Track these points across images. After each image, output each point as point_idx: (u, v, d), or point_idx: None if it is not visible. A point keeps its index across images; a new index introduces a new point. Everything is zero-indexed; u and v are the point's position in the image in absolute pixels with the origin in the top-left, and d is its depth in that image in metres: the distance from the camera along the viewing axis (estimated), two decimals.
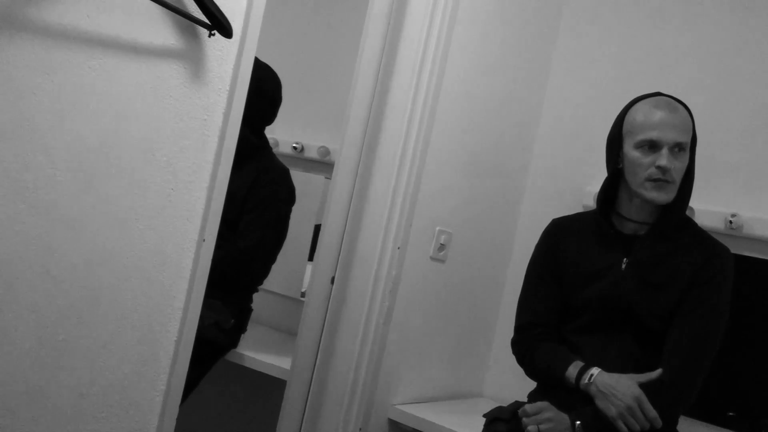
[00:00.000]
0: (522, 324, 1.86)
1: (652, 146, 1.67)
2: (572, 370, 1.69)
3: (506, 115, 2.46)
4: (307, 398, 2.14)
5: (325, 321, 2.14)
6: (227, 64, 1.51)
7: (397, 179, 2.11)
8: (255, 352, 2.47)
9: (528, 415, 1.65)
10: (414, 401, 2.27)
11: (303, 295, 2.84)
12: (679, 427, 1.74)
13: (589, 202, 2.34)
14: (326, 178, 2.84)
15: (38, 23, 1.21)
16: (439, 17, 2.10)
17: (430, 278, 2.26)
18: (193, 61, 1.45)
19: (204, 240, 1.53)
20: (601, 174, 1.83)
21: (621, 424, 1.58)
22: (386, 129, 2.13)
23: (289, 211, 2.57)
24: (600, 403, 1.62)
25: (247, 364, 2.44)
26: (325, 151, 2.91)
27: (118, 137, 1.36)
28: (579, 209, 2.23)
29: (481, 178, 2.39)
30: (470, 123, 2.30)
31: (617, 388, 1.60)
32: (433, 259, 2.25)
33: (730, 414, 2.09)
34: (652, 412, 1.58)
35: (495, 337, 2.56)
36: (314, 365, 2.14)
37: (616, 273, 1.74)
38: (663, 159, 1.65)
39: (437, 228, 2.24)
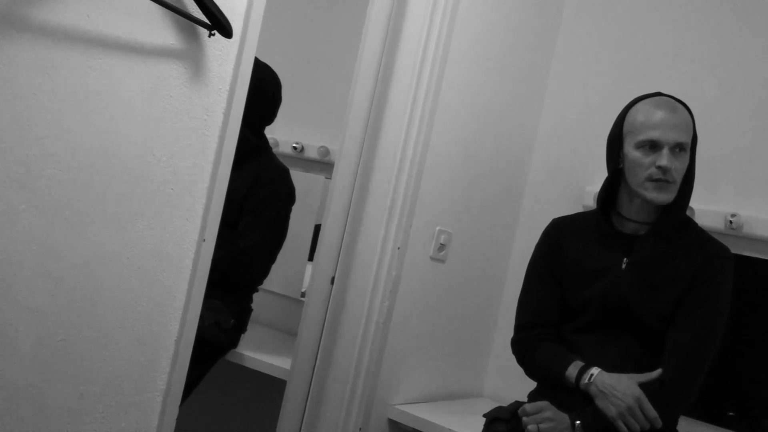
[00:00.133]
0: (522, 324, 1.86)
1: (653, 146, 1.67)
2: (572, 370, 1.69)
3: (506, 115, 2.46)
4: (307, 398, 2.14)
5: (325, 321, 2.14)
6: (227, 64, 1.51)
7: (397, 179, 2.11)
8: (255, 352, 2.47)
9: (528, 415, 1.65)
10: (414, 401, 2.27)
11: (303, 295, 2.84)
12: (679, 427, 1.74)
13: (589, 202, 2.34)
14: (326, 178, 2.84)
15: (38, 23, 1.21)
16: (439, 17, 2.10)
17: (430, 278, 2.26)
18: (193, 61, 1.45)
19: (204, 240, 1.53)
20: (601, 174, 1.83)
21: (621, 424, 1.58)
22: (386, 129, 2.13)
23: (289, 211, 2.57)
24: (600, 403, 1.62)
25: (247, 364, 2.44)
26: (325, 151, 2.91)
27: (118, 137, 1.36)
28: (579, 209, 2.23)
29: (481, 178, 2.39)
30: (470, 123, 2.30)
31: (617, 388, 1.60)
32: (433, 259, 2.25)
33: (730, 414, 2.09)
34: (652, 412, 1.58)
35: (495, 337, 2.56)
36: (314, 365, 2.14)
37: (616, 273, 1.74)
38: (663, 159, 1.65)
39: (437, 228, 2.24)
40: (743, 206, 2.15)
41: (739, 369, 2.09)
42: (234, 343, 2.46)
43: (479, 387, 2.58)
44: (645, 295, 1.70)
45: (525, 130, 2.56)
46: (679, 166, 1.68)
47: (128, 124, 1.37)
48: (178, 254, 1.50)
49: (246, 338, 2.53)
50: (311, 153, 2.96)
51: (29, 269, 1.27)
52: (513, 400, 1.81)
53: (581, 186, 2.45)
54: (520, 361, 1.85)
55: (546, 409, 1.65)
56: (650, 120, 1.68)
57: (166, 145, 1.43)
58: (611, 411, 1.59)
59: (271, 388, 2.46)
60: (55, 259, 1.30)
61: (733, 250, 1.77)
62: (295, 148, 2.99)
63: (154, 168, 1.42)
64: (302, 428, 2.13)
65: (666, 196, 1.68)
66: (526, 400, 1.79)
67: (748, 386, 2.09)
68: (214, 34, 1.45)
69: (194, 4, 1.39)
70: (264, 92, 2.45)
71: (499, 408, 1.78)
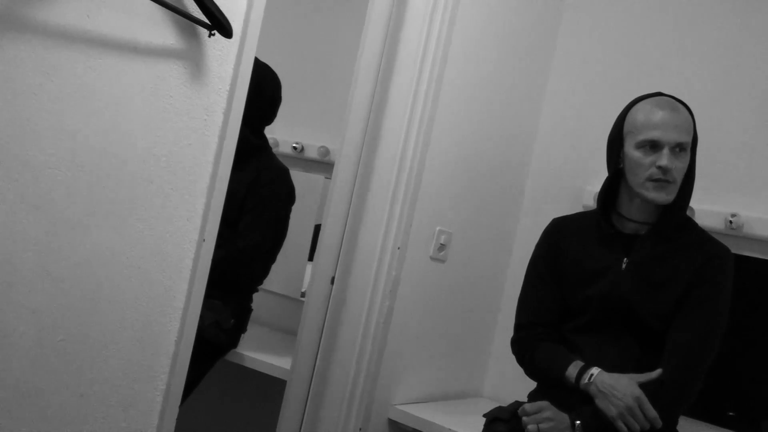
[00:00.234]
0: (522, 323, 1.86)
1: (653, 146, 1.67)
2: (572, 370, 1.69)
3: (506, 115, 2.46)
4: (307, 398, 2.14)
5: (325, 321, 2.14)
6: (227, 64, 1.51)
7: (397, 179, 2.11)
8: (255, 352, 2.47)
9: (528, 414, 1.65)
10: (414, 401, 2.27)
11: (303, 295, 2.84)
12: (679, 427, 1.74)
13: (589, 202, 2.34)
14: (326, 178, 2.84)
15: (38, 23, 1.21)
16: (439, 17, 2.10)
17: (430, 278, 2.26)
18: (193, 61, 1.45)
19: (204, 240, 1.53)
20: (601, 174, 1.83)
21: (621, 424, 1.58)
22: (386, 129, 2.13)
23: (289, 210, 2.57)
24: (600, 403, 1.62)
25: (247, 364, 2.44)
26: (325, 151, 2.91)
27: (118, 137, 1.36)
28: (579, 209, 2.23)
29: (481, 178, 2.39)
30: (470, 123, 2.30)
31: (617, 388, 1.60)
32: (433, 259, 2.25)
33: (730, 414, 2.09)
34: (652, 412, 1.58)
35: (495, 337, 2.56)
36: (314, 365, 2.14)
37: (616, 273, 1.74)
38: (664, 159, 1.65)
39: (437, 228, 2.24)
40: (743, 206, 2.15)
41: (739, 369, 2.09)
42: (234, 343, 2.46)
43: (479, 387, 2.58)
44: (645, 295, 1.70)
45: (525, 130, 2.56)
46: (679, 166, 1.68)
47: (128, 124, 1.37)
48: (178, 254, 1.50)
49: (246, 338, 2.53)
50: (311, 153, 2.96)
51: (29, 269, 1.27)
52: (513, 400, 1.81)
53: (581, 186, 2.45)
54: (520, 360, 1.86)
55: (546, 408, 1.65)
56: (651, 120, 1.67)
57: (166, 145, 1.43)
58: (611, 411, 1.59)
59: (271, 388, 2.46)
60: (55, 259, 1.30)
61: (733, 250, 1.77)
62: (295, 148, 2.99)
63: (154, 168, 1.42)
64: (302, 428, 2.13)
65: (666, 196, 1.68)
66: (526, 400, 1.79)
67: (748, 386, 2.09)
68: (214, 34, 1.45)
69: (194, 4, 1.39)
70: (264, 92, 2.45)
71: (499, 408, 1.78)
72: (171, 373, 1.52)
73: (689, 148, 1.70)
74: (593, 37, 2.54)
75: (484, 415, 1.79)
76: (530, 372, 1.84)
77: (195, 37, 1.45)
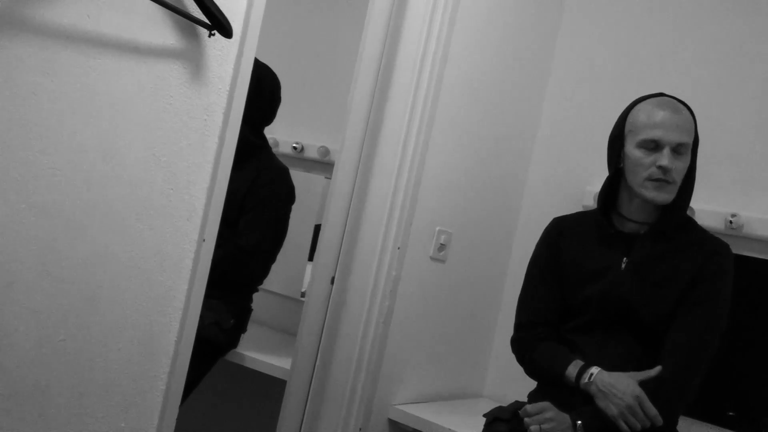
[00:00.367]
0: (522, 323, 1.86)
1: (654, 146, 1.67)
2: (572, 370, 1.69)
3: (506, 115, 2.46)
4: (307, 398, 2.14)
5: (325, 321, 2.14)
6: (227, 64, 1.51)
7: (397, 179, 2.11)
8: (255, 352, 2.47)
9: (529, 415, 1.65)
10: (414, 401, 2.27)
11: (303, 295, 2.84)
12: (679, 427, 1.74)
13: (589, 202, 2.34)
14: (326, 178, 2.84)
15: (38, 23, 1.21)
16: (439, 17, 2.10)
17: (430, 278, 2.26)
18: (193, 61, 1.45)
19: (204, 240, 1.53)
20: (601, 174, 1.83)
21: (622, 424, 1.58)
22: (386, 129, 2.13)
23: (289, 210, 2.57)
24: (600, 402, 1.62)
25: (247, 364, 2.44)
26: (325, 151, 2.91)
27: (118, 137, 1.36)
28: (579, 209, 2.22)
29: (481, 178, 2.39)
30: (470, 123, 2.30)
31: (617, 387, 1.60)
32: (433, 259, 2.25)
33: (730, 414, 2.09)
34: (653, 411, 1.58)
35: (495, 337, 2.56)
36: (314, 365, 2.14)
37: (616, 272, 1.74)
38: (664, 159, 1.65)
39: (437, 228, 2.24)
40: (743, 206, 2.15)
41: (739, 369, 2.09)
42: (234, 343, 2.46)
43: (479, 387, 2.57)
44: (645, 294, 1.70)
45: (525, 129, 2.56)
46: (680, 167, 1.68)
47: (128, 124, 1.37)
48: (178, 254, 1.50)
49: (246, 338, 2.53)
50: (311, 153, 2.96)
51: (29, 269, 1.27)
52: (513, 400, 1.81)
53: (581, 186, 2.45)
54: (520, 360, 1.86)
55: (547, 409, 1.65)
56: (652, 120, 1.68)
57: (166, 145, 1.43)
58: (612, 410, 1.59)
59: (271, 388, 2.46)
60: (55, 259, 1.30)
61: (733, 250, 1.77)
62: (295, 148, 2.99)
63: (154, 168, 1.42)
64: (302, 428, 2.13)
65: (666, 196, 1.69)
66: (526, 400, 1.79)
67: (748, 386, 2.09)
68: (214, 34, 1.45)
69: (194, 4, 1.39)
70: (263, 92, 2.45)
71: (499, 408, 1.78)
72: (171, 373, 1.52)
73: (690, 149, 1.70)
74: (593, 37, 2.54)
75: (484, 415, 1.79)
76: (530, 371, 1.84)
77: (195, 37, 1.45)
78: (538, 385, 1.85)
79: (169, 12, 1.38)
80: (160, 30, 1.39)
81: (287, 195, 2.55)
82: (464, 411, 2.31)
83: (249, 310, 2.56)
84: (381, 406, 2.16)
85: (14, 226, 1.23)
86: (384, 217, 2.11)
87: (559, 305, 1.82)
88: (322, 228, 2.17)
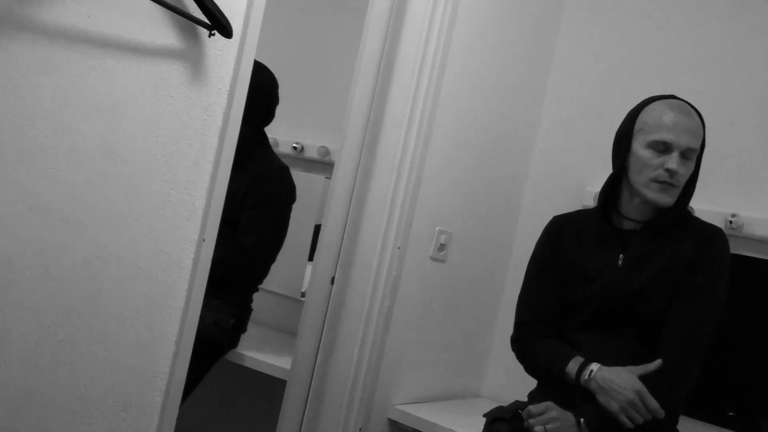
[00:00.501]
0: (522, 321, 1.86)
1: (664, 148, 1.67)
2: (572, 366, 1.69)
3: (506, 115, 2.46)
4: (307, 398, 2.14)
5: (325, 321, 2.14)
6: (227, 64, 1.51)
7: (397, 179, 2.11)
8: (255, 352, 2.47)
9: (533, 416, 1.65)
10: (414, 401, 2.27)
11: (303, 295, 2.84)
12: (679, 426, 1.74)
13: (589, 202, 2.34)
14: (326, 178, 2.84)
15: (38, 23, 1.21)
16: (439, 17, 2.10)
17: (430, 278, 2.26)
18: (193, 61, 1.45)
19: (204, 240, 1.53)
20: (601, 174, 1.83)
21: (624, 418, 1.58)
22: (386, 129, 2.13)
23: (290, 209, 2.57)
24: (601, 398, 1.62)
25: (247, 364, 2.44)
26: (325, 151, 2.91)
27: (118, 137, 1.36)
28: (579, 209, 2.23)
29: (481, 178, 2.39)
30: (470, 123, 2.30)
31: (617, 382, 1.60)
32: (433, 259, 2.25)
33: (730, 414, 2.09)
34: (654, 404, 1.58)
35: (495, 337, 2.56)
36: (314, 365, 2.14)
37: (614, 270, 1.74)
38: (673, 162, 1.65)
39: (437, 228, 2.24)
40: (743, 206, 2.15)
41: (739, 369, 2.09)
42: (234, 343, 2.46)
43: (479, 387, 2.57)
44: (643, 289, 1.70)
45: (525, 129, 2.56)
46: (685, 172, 1.68)
47: (128, 124, 1.37)
48: (178, 254, 1.50)
49: (246, 338, 2.53)
50: (311, 153, 2.96)
51: (29, 269, 1.27)
52: (513, 400, 1.81)
53: (581, 186, 2.45)
54: (520, 358, 1.85)
55: (551, 409, 1.65)
56: (665, 122, 1.67)
57: (166, 145, 1.43)
58: (613, 406, 1.59)
59: (271, 388, 2.46)
60: (55, 259, 1.30)
61: (733, 250, 1.77)
62: (295, 148, 2.99)
63: (154, 168, 1.42)
64: (302, 428, 2.13)
65: (668, 199, 1.69)
66: (525, 400, 1.79)
67: (748, 386, 2.09)
68: (214, 34, 1.45)
69: (194, 4, 1.38)
70: (261, 92, 2.45)
71: (500, 408, 1.78)
72: (171, 373, 1.52)
73: (696, 155, 1.70)
74: (593, 37, 2.54)
75: (485, 415, 1.79)
76: (530, 369, 1.84)
77: (195, 37, 1.45)
78: (538, 384, 1.85)
79: (169, 12, 1.38)
80: (160, 30, 1.39)
81: (288, 194, 2.55)
82: (464, 411, 2.31)
83: (249, 310, 2.56)
84: (381, 406, 2.16)
85: (14, 226, 1.23)
86: (384, 217, 2.11)
87: (559, 303, 1.82)
88: (322, 228, 2.17)
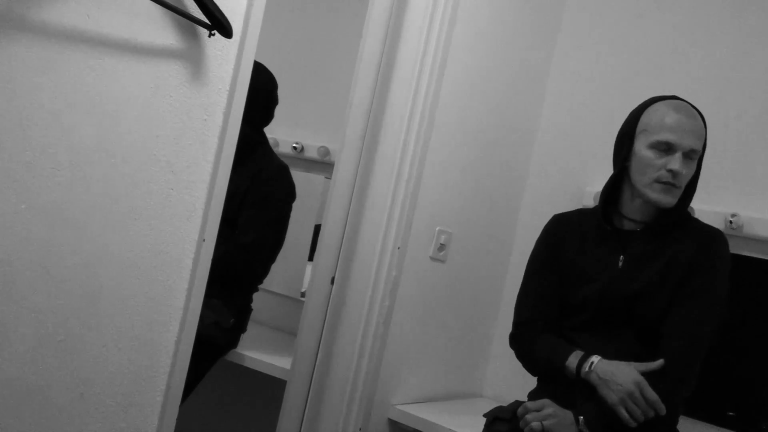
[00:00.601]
0: (521, 319, 1.86)
1: (667, 149, 1.67)
2: (573, 360, 1.69)
3: (506, 115, 2.46)
4: (307, 398, 2.14)
5: (325, 321, 2.14)
6: (227, 64, 1.51)
7: (397, 179, 2.11)
8: (255, 352, 2.47)
9: (530, 411, 1.65)
10: (414, 401, 2.27)
11: (303, 295, 2.84)
12: (679, 426, 1.74)
13: (589, 202, 2.34)
14: (326, 178, 2.84)
15: (38, 23, 1.21)
16: (439, 18, 2.10)
17: (430, 278, 2.26)
18: (193, 61, 1.45)
19: (204, 240, 1.53)
20: (601, 174, 1.83)
21: (622, 410, 1.58)
22: (386, 129, 2.13)
23: (290, 207, 2.57)
24: (601, 390, 1.61)
25: (247, 364, 2.44)
26: (325, 151, 2.91)
27: (117, 137, 1.36)
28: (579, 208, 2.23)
29: (481, 178, 2.39)
30: (470, 123, 2.30)
31: (617, 374, 1.60)
32: (433, 259, 2.25)
33: (730, 414, 2.09)
34: (654, 396, 1.57)
35: (495, 337, 2.56)
36: (314, 365, 2.14)
37: (613, 270, 1.74)
38: (676, 163, 1.65)
39: (437, 228, 2.24)
40: (743, 206, 2.15)
41: (739, 369, 2.09)
42: (234, 342, 2.46)
43: (479, 387, 2.58)
44: (643, 290, 1.70)
45: (525, 130, 2.56)
46: (687, 173, 1.68)
47: (128, 124, 1.37)
48: (178, 254, 1.50)
49: (246, 338, 2.53)
50: (311, 153, 2.96)
51: (29, 269, 1.27)
52: (513, 400, 1.81)
53: (581, 186, 2.45)
54: (520, 355, 1.85)
55: (548, 406, 1.65)
56: (668, 122, 1.67)
57: (166, 145, 1.43)
58: (612, 398, 1.59)
59: (271, 388, 2.46)
60: (55, 259, 1.30)
61: (733, 250, 1.77)
62: (295, 148, 2.99)
63: (154, 168, 1.42)
64: (302, 428, 2.13)
65: (670, 200, 1.69)
66: (525, 399, 1.79)
67: (748, 386, 2.09)
68: (214, 34, 1.45)
69: (194, 4, 1.39)
70: (261, 93, 2.45)
71: (500, 408, 1.78)
72: (171, 373, 1.52)
73: (698, 155, 1.70)
74: (593, 37, 2.54)
75: (485, 415, 1.79)
76: (530, 365, 1.84)
77: (195, 37, 1.45)
78: (537, 384, 1.85)
79: (169, 12, 1.38)
80: (160, 30, 1.39)
81: (287, 192, 2.55)
82: (464, 411, 2.31)
83: (249, 310, 2.56)
84: (381, 406, 2.16)
85: (14, 226, 1.23)
86: (384, 217, 2.11)
87: (558, 302, 1.82)
88: (322, 228, 2.17)
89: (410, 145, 2.10)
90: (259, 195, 2.45)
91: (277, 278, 2.74)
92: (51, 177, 1.27)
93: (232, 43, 1.51)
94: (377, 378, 2.12)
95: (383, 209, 2.11)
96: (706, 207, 2.15)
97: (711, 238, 1.72)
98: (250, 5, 1.52)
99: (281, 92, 2.61)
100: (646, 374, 1.61)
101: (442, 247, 2.26)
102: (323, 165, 2.92)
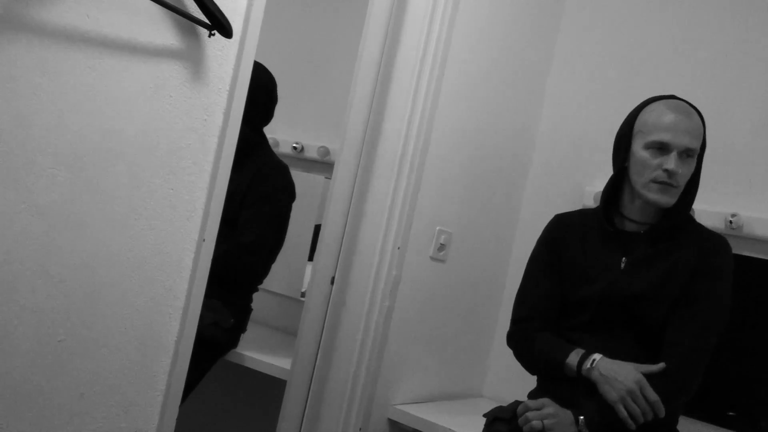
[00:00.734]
0: (519, 317, 1.85)
1: (662, 148, 1.67)
2: (573, 357, 1.68)
3: (506, 115, 2.46)
4: (307, 398, 2.14)
5: (325, 321, 2.14)
6: (227, 64, 1.51)
7: (397, 179, 2.11)
8: (255, 352, 2.47)
9: (529, 410, 1.65)
10: (414, 401, 2.27)
11: (303, 295, 2.84)
12: (679, 426, 1.74)
13: (589, 202, 2.34)
14: (326, 178, 2.84)
15: (38, 23, 1.21)
16: (439, 18, 2.10)
17: (430, 278, 2.26)
18: (193, 61, 1.45)
19: (204, 240, 1.53)
20: (601, 174, 1.83)
21: (621, 408, 1.57)
22: (386, 129, 2.13)
23: (290, 207, 2.57)
24: (601, 387, 1.61)
25: (247, 364, 2.44)
26: (325, 151, 2.91)
27: (117, 137, 1.36)
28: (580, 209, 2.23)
29: (481, 178, 2.39)
30: (470, 123, 2.30)
31: (619, 372, 1.60)
32: (433, 259, 2.25)
33: (730, 414, 2.09)
34: (654, 396, 1.57)
35: (495, 336, 2.56)
36: (314, 365, 2.14)
37: (615, 272, 1.74)
38: (671, 163, 1.65)
39: (437, 228, 2.24)
40: (743, 206, 2.15)
41: (739, 369, 2.09)
42: (234, 342, 2.46)
43: (479, 387, 2.58)
44: (644, 293, 1.70)
45: (525, 130, 2.56)
46: (685, 172, 1.68)
47: (128, 124, 1.37)
48: (178, 254, 1.50)
49: (246, 338, 2.53)
50: (311, 153, 2.96)
51: (29, 269, 1.27)
52: (513, 400, 1.81)
53: (581, 186, 2.45)
54: (518, 354, 1.85)
55: (548, 405, 1.65)
56: (663, 122, 1.67)
57: (166, 146, 1.43)
58: (612, 395, 1.59)
59: (271, 388, 2.46)
60: (55, 259, 1.30)
61: (733, 250, 1.77)
62: (295, 148, 2.99)
63: (154, 168, 1.42)
64: (302, 428, 2.13)
65: (668, 199, 1.69)
66: (526, 399, 1.79)
67: (748, 386, 2.09)
68: (214, 34, 1.45)
69: (194, 4, 1.39)
70: (260, 92, 2.45)
71: (500, 408, 1.78)
72: (171, 373, 1.52)
73: (697, 154, 1.70)
74: (593, 37, 2.54)
75: (485, 415, 1.79)
76: (529, 364, 1.83)
77: (195, 37, 1.45)
78: (537, 384, 1.85)
79: (169, 12, 1.38)
80: (160, 30, 1.39)
81: (287, 192, 2.55)
82: (464, 411, 2.31)
83: (249, 310, 2.56)
84: (381, 406, 2.16)
85: (14, 226, 1.23)
86: (384, 217, 2.11)
87: (557, 302, 1.82)
88: (322, 228, 2.17)
89: (410, 145, 2.10)
90: (259, 195, 2.45)
91: (277, 278, 2.74)
92: (51, 177, 1.27)
93: (232, 43, 1.51)
94: (377, 378, 2.12)
95: (383, 209, 2.11)
96: (706, 207, 2.15)
97: (715, 244, 1.71)
98: (250, 5, 1.52)
99: (281, 92, 2.61)
100: (647, 376, 1.61)
101: (442, 247, 2.26)
102: (323, 165, 2.92)
